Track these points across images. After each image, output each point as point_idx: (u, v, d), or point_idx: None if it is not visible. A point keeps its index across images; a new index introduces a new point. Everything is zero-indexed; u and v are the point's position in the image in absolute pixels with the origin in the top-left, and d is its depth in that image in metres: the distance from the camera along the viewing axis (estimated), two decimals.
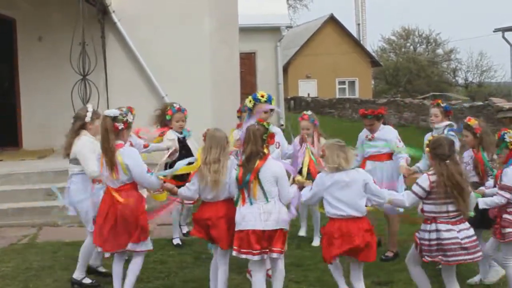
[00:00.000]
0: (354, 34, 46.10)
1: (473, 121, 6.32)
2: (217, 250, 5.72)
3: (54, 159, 11.18)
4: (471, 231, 5.22)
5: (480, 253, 5.25)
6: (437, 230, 5.15)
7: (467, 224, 5.23)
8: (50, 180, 9.62)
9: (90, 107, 6.53)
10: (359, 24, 48.70)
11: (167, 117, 7.62)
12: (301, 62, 41.03)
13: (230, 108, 11.18)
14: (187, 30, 12.72)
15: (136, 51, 12.51)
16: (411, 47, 57.97)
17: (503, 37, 25.19)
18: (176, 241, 7.90)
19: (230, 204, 5.54)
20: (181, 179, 5.98)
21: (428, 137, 6.23)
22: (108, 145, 5.52)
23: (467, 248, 5.13)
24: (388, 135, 7.25)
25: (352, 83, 42.63)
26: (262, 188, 5.30)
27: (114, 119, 5.58)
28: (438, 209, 5.18)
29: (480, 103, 19.68)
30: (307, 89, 40.25)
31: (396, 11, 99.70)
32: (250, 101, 6.50)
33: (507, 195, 5.54)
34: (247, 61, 23.34)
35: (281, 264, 5.54)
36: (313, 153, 7.45)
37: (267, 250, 5.30)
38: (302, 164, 7.43)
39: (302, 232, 8.28)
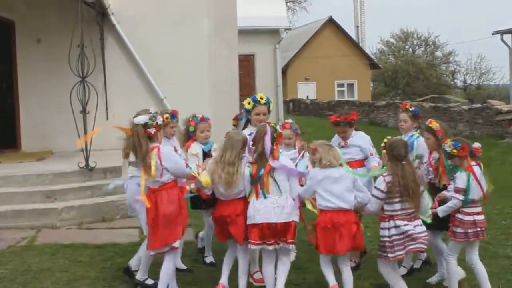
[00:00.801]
0: (353, 36, 46.15)
1: (434, 124, 6.30)
2: (234, 245, 6.01)
3: (52, 161, 11.18)
4: (424, 227, 5.63)
5: (421, 245, 5.60)
6: (396, 226, 5.55)
7: (420, 221, 5.65)
8: (48, 182, 9.62)
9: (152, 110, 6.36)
10: (358, 27, 48.74)
11: (191, 129, 7.05)
12: (300, 64, 41.07)
13: (229, 110, 11.19)
14: (186, 32, 12.74)
15: (135, 53, 12.53)
16: (410, 49, 58.07)
17: (502, 39, 25.26)
18: (210, 259, 7.27)
19: (246, 202, 5.84)
20: None
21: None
22: (142, 151, 5.66)
23: (410, 240, 5.55)
24: (361, 141, 6.98)
25: (351, 86, 42.67)
26: (276, 182, 5.67)
27: (145, 125, 5.70)
28: (394, 207, 5.57)
29: (479, 105, 19.71)
30: (306, 91, 40.30)
31: (395, 14, 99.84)
32: (249, 103, 6.47)
33: (461, 197, 5.74)
34: (246, 63, 23.36)
35: (288, 258, 5.86)
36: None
37: (280, 241, 5.66)
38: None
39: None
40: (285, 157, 5.95)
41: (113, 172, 10.11)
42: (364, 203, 5.74)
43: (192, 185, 6.15)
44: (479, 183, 5.81)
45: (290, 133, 7.04)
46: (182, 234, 5.89)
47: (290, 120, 7.25)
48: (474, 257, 5.92)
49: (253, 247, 5.74)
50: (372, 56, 49.07)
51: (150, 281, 6.27)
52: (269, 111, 6.54)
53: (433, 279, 6.43)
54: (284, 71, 35.82)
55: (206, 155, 6.97)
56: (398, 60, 55.86)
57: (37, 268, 6.95)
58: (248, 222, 5.75)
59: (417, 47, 58.10)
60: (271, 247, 5.69)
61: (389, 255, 5.58)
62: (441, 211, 5.84)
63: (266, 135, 5.68)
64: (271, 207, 5.64)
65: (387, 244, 5.59)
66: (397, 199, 5.54)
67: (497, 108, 17.70)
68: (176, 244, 5.82)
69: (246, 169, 5.78)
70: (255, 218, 5.66)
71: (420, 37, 57.44)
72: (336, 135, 7.04)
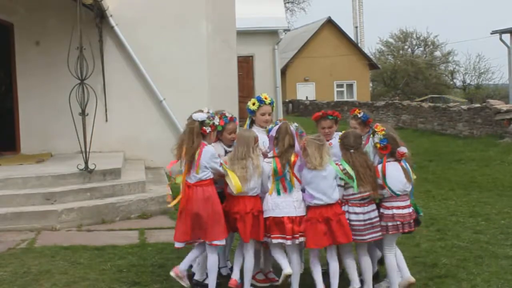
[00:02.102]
0: (352, 37, 46.22)
1: (379, 128, 6.24)
2: (241, 242, 6.05)
3: (52, 163, 11.18)
4: (375, 213, 5.94)
5: (377, 234, 5.93)
6: (348, 212, 5.93)
7: (373, 207, 5.95)
8: (48, 184, 9.62)
9: (205, 110, 6.21)
10: (356, 27, 48.82)
11: (219, 128, 6.35)
12: (299, 65, 41.10)
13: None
14: (185, 34, 12.75)
15: (134, 55, 12.53)
16: (409, 49, 58.12)
17: (501, 39, 25.28)
18: (225, 270, 6.82)
19: (257, 200, 5.94)
20: None
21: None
22: (192, 146, 5.85)
23: (369, 228, 5.90)
24: None
25: (350, 86, 42.70)
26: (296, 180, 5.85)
27: (202, 123, 5.92)
28: (348, 192, 5.93)
29: (478, 105, 19.72)
30: (305, 92, 40.33)
31: (394, 14, 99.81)
32: (254, 103, 6.45)
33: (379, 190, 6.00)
34: (245, 65, 23.38)
35: (299, 256, 6.02)
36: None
37: (298, 235, 5.77)
38: None
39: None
40: None
41: (112, 174, 10.12)
42: None
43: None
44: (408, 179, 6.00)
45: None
46: (224, 234, 5.96)
47: (295, 124, 7.17)
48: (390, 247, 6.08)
49: (274, 241, 5.83)
50: (371, 57, 49.12)
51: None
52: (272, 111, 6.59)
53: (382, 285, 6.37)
54: (283, 72, 35.85)
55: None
56: (397, 60, 55.91)
57: (37, 270, 6.95)
58: (265, 215, 5.88)
59: (416, 47, 58.19)
60: (289, 242, 5.78)
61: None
62: None
63: (291, 131, 5.90)
64: (290, 201, 5.80)
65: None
66: (348, 185, 5.89)
67: (496, 108, 17.70)
68: (221, 242, 5.93)
69: (266, 165, 5.90)
70: (274, 211, 5.81)
71: (419, 37, 57.55)
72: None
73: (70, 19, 10.68)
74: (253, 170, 5.88)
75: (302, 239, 5.83)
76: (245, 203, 5.91)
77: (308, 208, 5.93)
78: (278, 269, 6.08)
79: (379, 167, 5.99)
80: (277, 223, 5.81)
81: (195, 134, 5.89)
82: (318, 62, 40.60)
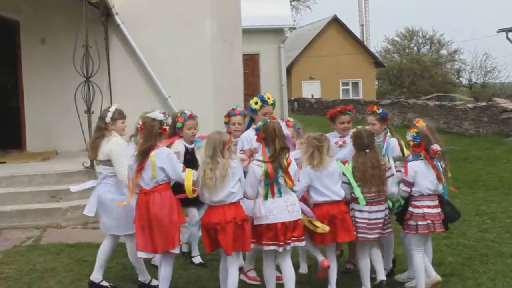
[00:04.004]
0: (358, 35, 46.15)
1: (421, 123, 6.30)
2: (225, 254, 5.63)
3: (57, 161, 11.21)
4: (382, 214, 5.93)
5: (389, 230, 6.04)
6: (354, 209, 5.95)
7: (381, 207, 5.93)
8: (53, 182, 9.65)
9: (113, 107, 6.43)
10: (362, 25, 48.75)
11: (178, 125, 6.88)
12: (305, 63, 41.04)
13: None
14: (190, 32, 12.74)
15: (140, 53, 12.53)
16: (415, 48, 57.94)
17: (507, 37, 25.17)
18: (198, 259, 7.22)
19: (238, 207, 5.55)
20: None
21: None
22: (147, 146, 5.59)
23: (374, 228, 5.89)
24: None
25: (355, 84, 42.62)
26: (290, 183, 5.61)
27: (161, 122, 5.70)
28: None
29: (484, 103, 19.68)
30: (311, 90, 40.28)
31: (400, 12, 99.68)
32: (257, 102, 6.37)
33: (404, 187, 5.98)
34: (251, 63, 23.35)
35: (290, 261, 5.74)
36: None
37: (290, 241, 5.55)
38: None
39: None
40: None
41: None
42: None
43: None
44: (441, 178, 5.95)
45: (292, 132, 6.94)
46: (179, 241, 5.69)
47: (292, 119, 7.25)
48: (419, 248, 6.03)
49: (266, 248, 5.56)
50: (377, 55, 49.02)
51: (154, 282, 6.25)
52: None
53: (401, 276, 6.46)
54: (289, 70, 35.81)
55: (189, 153, 6.94)
56: (403, 59, 55.73)
57: (42, 267, 6.97)
58: (258, 223, 5.56)
59: (422, 46, 57.99)
60: (281, 249, 5.53)
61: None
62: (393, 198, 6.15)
63: (280, 131, 5.60)
64: (284, 206, 5.55)
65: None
66: (357, 183, 5.87)
67: (502, 106, 17.67)
68: (176, 250, 5.65)
69: (257, 169, 5.55)
70: (268, 218, 5.52)
71: (425, 36, 57.33)
72: (331, 133, 6.75)
73: (75, 17, 10.69)
74: (221, 175, 5.41)
75: (298, 243, 5.63)
76: (224, 212, 5.48)
77: (314, 205, 5.90)
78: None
79: (412, 164, 5.92)
80: (270, 229, 5.52)
81: (155, 134, 5.60)
82: (324, 61, 40.54)
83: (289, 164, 5.58)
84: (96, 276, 6.28)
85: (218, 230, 5.46)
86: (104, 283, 6.29)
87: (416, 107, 23.30)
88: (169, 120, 5.87)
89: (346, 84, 42.40)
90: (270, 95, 6.49)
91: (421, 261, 5.95)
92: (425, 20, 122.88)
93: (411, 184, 5.92)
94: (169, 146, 6.93)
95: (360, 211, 5.91)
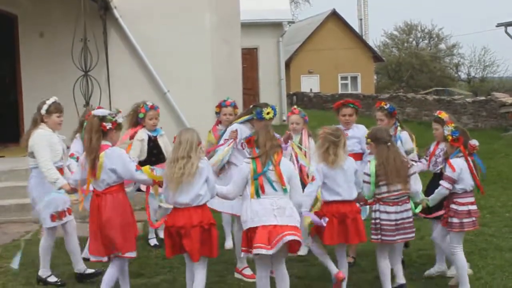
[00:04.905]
0: (357, 29, 46.03)
1: (443, 114, 6.34)
2: (190, 260, 5.40)
3: None
4: (408, 213, 5.72)
5: (409, 235, 5.76)
6: (379, 211, 5.68)
7: (407, 206, 5.71)
8: None
9: (51, 99, 6.42)
10: (361, 19, 48.63)
11: (140, 115, 7.57)
12: (303, 57, 40.95)
13: None
14: (189, 26, 12.70)
15: (138, 47, 12.50)
16: (414, 42, 57.82)
17: (506, 31, 25.11)
18: (153, 241, 7.77)
19: (204, 211, 5.29)
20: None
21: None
22: (90, 145, 5.37)
23: (399, 229, 5.65)
24: (361, 133, 6.96)
25: (354, 79, 42.55)
26: (283, 180, 5.30)
27: (102, 118, 5.44)
28: (381, 190, 5.68)
29: (483, 98, 19.67)
30: (310, 84, 40.19)
31: (398, 6, 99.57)
32: (269, 113, 6.29)
33: (447, 185, 5.84)
34: (249, 57, 23.28)
35: (284, 269, 5.45)
36: (300, 148, 7.18)
37: (277, 238, 5.14)
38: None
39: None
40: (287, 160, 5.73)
41: None
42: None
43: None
44: (474, 174, 5.88)
45: (298, 118, 7.28)
46: (135, 246, 5.54)
47: (297, 108, 7.58)
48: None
49: (255, 251, 5.20)
50: (375, 49, 48.92)
51: (53, 279, 6.36)
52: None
53: (431, 271, 6.45)
54: (288, 64, 35.75)
55: (152, 141, 7.51)
56: (401, 53, 55.63)
57: None
58: (245, 227, 5.31)
59: (420, 40, 57.88)
60: (271, 251, 5.15)
61: (372, 236, 5.74)
62: (431, 200, 5.97)
63: (273, 133, 5.50)
64: (270, 209, 5.21)
65: (371, 226, 5.77)
66: (383, 182, 5.64)
67: (501, 101, 17.66)
68: (132, 254, 5.52)
69: (245, 166, 5.36)
70: (253, 221, 5.23)
71: (424, 30, 57.21)
72: (337, 125, 6.85)
73: (74, 11, 10.67)
74: (189, 174, 5.15)
75: (287, 238, 5.15)
76: (190, 216, 5.20)
77: (324, 203, 5.74)
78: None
79: (458, 161, 5.82)
80: (257, 233, 5.19)
81: (94, 131, 5.37)
82: (323, 55, 40.46)
83: (279, 159, 5.34)
84: (43, 271, 6.38)
85: (182, 235, 5.20)
86: (52, 278, 6.38)
87: (415, 101, 23.27)
88: (120, 118, 5.60)
89: (345, 78, 42.32)
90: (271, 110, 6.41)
91: (464, 258, 5.87)
92: (424, 14, 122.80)
93: (455, 182, 5.80)
94: (133, 135, 7.45)
95: (387, 212, 5.67)
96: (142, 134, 7.53)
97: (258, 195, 5.26)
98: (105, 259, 5.55)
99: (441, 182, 5.88)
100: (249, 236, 5.27)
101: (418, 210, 5.88)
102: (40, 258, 6.38)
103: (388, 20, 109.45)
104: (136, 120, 7.62)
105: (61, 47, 11.74)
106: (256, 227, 5.20)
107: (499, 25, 25.76)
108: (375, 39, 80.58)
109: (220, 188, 5.53)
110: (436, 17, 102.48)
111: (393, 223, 5.64)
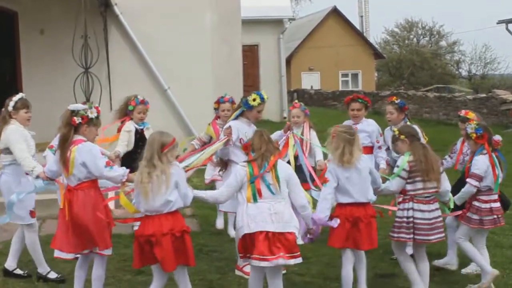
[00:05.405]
0: (357, 26, 46.02)
1: (471, 114, 6.35)
2: (160, 273, 5.08)
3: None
4: (439, 212, 5.59)
5: (442, 235, 5.60)
6: (413, 209, 5.48)
7: (436, 205, 5.58)
8: None
9: (18, 96, 6.38)
10: (362, 16, 48.61)
11: (130, 108, 7.74)
12: (304, 54, 40.94)
13: None
14: (190, 23, 12.70)
15: (139, 43, 12.49)
16: (415, 39, 57.76)
17: (507, 28, 25.06)
18: None
19: (176, 218, 4.97)
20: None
21: (388, 132, 6.90)
22: (62, 139, 5.33)
23: (434, 228, 5.50)
24: (371, 127, 7.22)
25: (355, 76, 42.54)
26: (279, 183, 5.06)
27: (73, 112, 5.35)
28: (416, 186, 5.49)
29: (484, 95, 19.68)
30: (310, 81, 40.20)
31: (399, 3, 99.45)
32: (254, 99, 6.30)
33: (475, 182, 5.79)
34: (250, 54, 23.25)
35: (280, 280, 5.19)
36: (299, 141, 7.22)
37: (280, 257, 4.92)
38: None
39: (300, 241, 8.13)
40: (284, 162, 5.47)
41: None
42: (379, 190, 5.70)
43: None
44: (494, 172, 5.84)
45: (299, 112, 7.57)
46: (110, 243, 5.39)
47: (298, 101, 7.89)
48: (482, 244, 5.99)
49: (254, 263, 4.99)
50: (376, 46, 48.89)
51: (53, 275, 6.39)
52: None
53: (440, 262, 6.50)
54: (288, 61, 35.73)
55: (138, 133, 7.71)
56: (402, 50, 55.59)
57: None
58: (240, 233, 5.07)
59: (421, 37, 57.81)
60: (269, 263, 4.91)
61: (402, 235, 5.54)
62: (457, 199, 5.88)
63: (269, 137, 5.27)
64: (267, 213, 4.97)
65: (396, 224, 5.59)
66: (419, 178, 5.47)
67: (502, 98, 17.68)
68: (107, 251, 5.39)
69: (241, 169, 5.15)
70: (250, 227, 4.98)
71: (425, 27, 57.14)
72: (347, 121, 7.12)
73: (74, 8, 10.65)
74: (159, 181, 4.86)
75: (292, 261, 4.99)
76: (161, 223, 4.89)
77: (337, 205, 5.52)
78: None
79: (484, 159, 5.79)
80: (253, 240, 4.96)
81: (66, 125, 5.32)
82: (323, 52, 40.44)
83: (273, 162, 5.08)
84: (10, 263, 6.45)
85: (153, 243, 4.89)
86: (18, 271, 6.44)
87: (416, 98, 23.26)
88: (92, 114, 5.42)
89: (345, 75, 42.32)
90: (265, 93, 6.45)
91: (471, 245, 5.87)
92: (425, 11, 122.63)
93: (482, 179, 5.77)
94: (121, 125, 7.69)
95: (421, 210, 5.46)
96: (130, 126, 7.74)
97: (255, 199, 5.03)
98: (69, 256, 5.46)
99: (468, 180, 5.82)
100: (247, 242, 5.05)
101: (449, 211, 5.79)
102: (32, 257, 6.39)
103: (389, 17, 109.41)
104: (125, 112, 7.83)
105: (61, 44, 11.73)
106: (254, 233, 4.97)
107: (500, 22, 25.72)
108: (376, 36, 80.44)
109: (210, 192, 5.37)
110: (437, 14, 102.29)
111: (427, 221, 5.46)
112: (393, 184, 5.60)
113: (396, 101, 7.02)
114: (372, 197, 5.52)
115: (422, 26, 57.29)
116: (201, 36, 12.76)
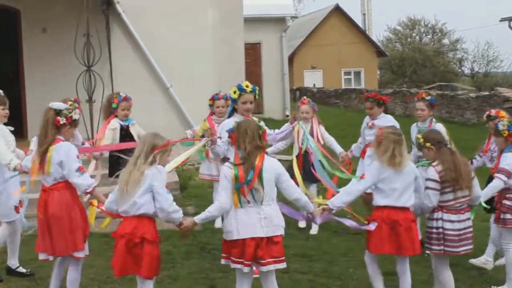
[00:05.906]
0: (360, 24, 45.96)
1: (502, 113, 6.39)
2: (139, 279, 4.89)
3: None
4: (470, 222, 5.37)
5: (470, 247, 5.38)
6: (442, 219, 5.26)
7: (468, 215, 5.35)
8: None
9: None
10: (364, 14, 48.53)
11: (113, 105, 7.80)
12: (307, 52, 40.94)
13: None
14: (192, 21, 12.68)
15: (141, 42, 12.47)
16: (417, 37, 57.74)
17: (509, 26, 25.04)
18: None
19: (141, 222, 4.75)
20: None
21: (414, 129, 7.04)
22: (44, 139, 5.27)
23: (463, 239, 5.29)
24: (387, 124, 7.18)
25: (357, 74, 42.53)
26: (263, 188, 4.81)
27: (58, 112, 5.31)
28: (447, 197, 5.26)
29: (486, 93, 19.62)
30: (313, 79, 40.19)
31: (402, 1, 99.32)
32: (235, 92, 6.19)
33: (504, 177, 5.71)
34: (252, 52, 23.23)
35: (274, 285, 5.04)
36: (308, 134, 7.21)
37: (264, 261, 4.80)
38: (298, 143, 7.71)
39: (302, 224, 8.23)
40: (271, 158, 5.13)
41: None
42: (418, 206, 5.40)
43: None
44: None
45: (308, 108, 8.07)
46: (74, 248, 5.23)
47: (307, 98, 8.34)
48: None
49: (232, 265, 4.91)
50: (379, 44, 48.86)
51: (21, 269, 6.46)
52: (255, 99, 6.32)
53: (476, 261, 6.52)
54: (291, 59, 35.71)
55: (124, 130, 7.78)
56: (405, 48, 55.57)
57: None
58: (226, 238, 4.92)
59: (424, 35, 57.79)
60: (246, 269, 4.84)
61: (434, 247, 5.35)
62: (484, 195, 5.73)
63: (254, 131, 4.94)
64: (256, 219, 4.80)
65: (427, 235, 5.42)
66: (449, 188, 5.24)
67: (504, 96, 17.62)
68: (80, 254, 5.30)
69: (227, 170, 4.87)
70: (239, 233, 4.80)
71: (427, 25, 57.12)
72: (367, 116, 7.59)
73: (76, 6, 10.65)
74: (135, 182, 4.68)
75: (277, 265, 4.85)
76: (125, 226, 4.77)
77: (375, 208, 5.31)
78: None
79: (508, 156, 5.74)
80: (238, 246, 4.81)
81: (49, 125, 5.25)
82: (326, 50, 40.43)
83: (258, 166, 4.81)
84: (12, 262, 6.47)
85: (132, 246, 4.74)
86: (21, 269, 6.46)
87: None
88: (75, 115, 5.44)
89: (348, 73, 42.31)
90: (249, 83, 6.28)
91: None
92: (427, 9, 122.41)
93: (510, 174, 5.69)
94: (105, 123, 7.79)
95: (450, 221, 5.24)
96: (115, 123, 7.81)
97: (241, 205, 4.84)
98: (51, 258, 5.44)
99: (497, 174, 5.73)
100: (228, 245, 4.92)
101: (473, 215, 5.60)
102: (8, 251, 6.45)
103: (392, 15, 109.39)
104: (110, 111, 7.88)
105: (63, 42, 11.72)
106: (238, 240, 4.81)
107: (502, 20, 25.68)
108: (378, 34, 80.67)
109: (212, 207, 4.96)
110: (439, 13, 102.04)
111: (457, 232, 5.24)
112: (431, 199, 5.27)
113: (427, 98, 7.19)
114: (412, 202, 5.29)
115: (424, 24, 57.29)
116: (203, 34, 12.74)
